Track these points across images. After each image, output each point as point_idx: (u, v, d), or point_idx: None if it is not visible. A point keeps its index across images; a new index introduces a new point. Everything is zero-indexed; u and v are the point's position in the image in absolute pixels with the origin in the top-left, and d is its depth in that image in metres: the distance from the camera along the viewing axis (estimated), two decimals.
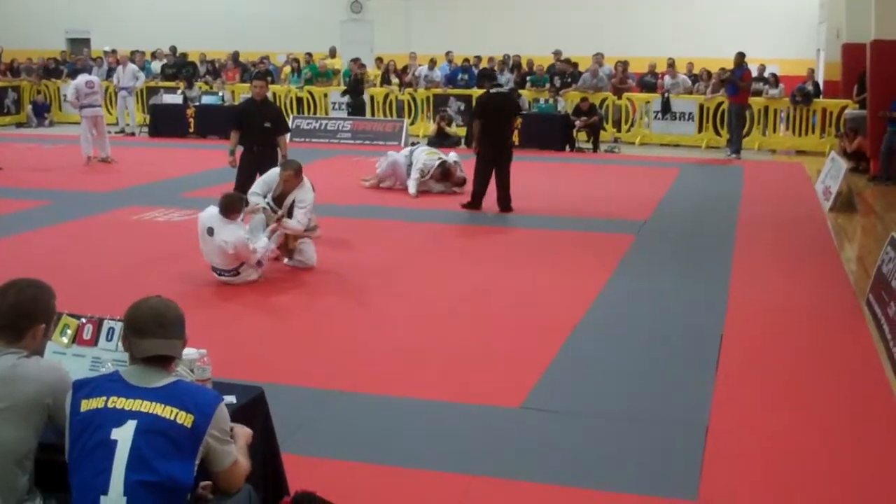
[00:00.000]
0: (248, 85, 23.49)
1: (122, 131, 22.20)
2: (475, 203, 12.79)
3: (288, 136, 11.75)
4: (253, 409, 3.99)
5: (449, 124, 20.42)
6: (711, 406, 5.99)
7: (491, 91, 13.74)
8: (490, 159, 12.69)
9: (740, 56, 19.02)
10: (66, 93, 23.48)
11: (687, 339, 7.43)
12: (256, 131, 11.09)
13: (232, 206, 8.69)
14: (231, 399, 3.80)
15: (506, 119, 13.20)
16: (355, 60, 23.38)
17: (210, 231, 8.63)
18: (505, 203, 12.71)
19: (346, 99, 22.31)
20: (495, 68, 22.51)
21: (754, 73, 20.02)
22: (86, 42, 29.07)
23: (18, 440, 3.29)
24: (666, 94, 21.00)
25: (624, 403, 6.08)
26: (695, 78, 21.71)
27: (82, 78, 17.67)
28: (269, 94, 22.87)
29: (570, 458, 5.26)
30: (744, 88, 19.00)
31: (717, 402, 6.07)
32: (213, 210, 8.77)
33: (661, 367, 6.77)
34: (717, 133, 20.64)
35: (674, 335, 7.51)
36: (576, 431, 5.64)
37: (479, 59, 23.20)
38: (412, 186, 13.97)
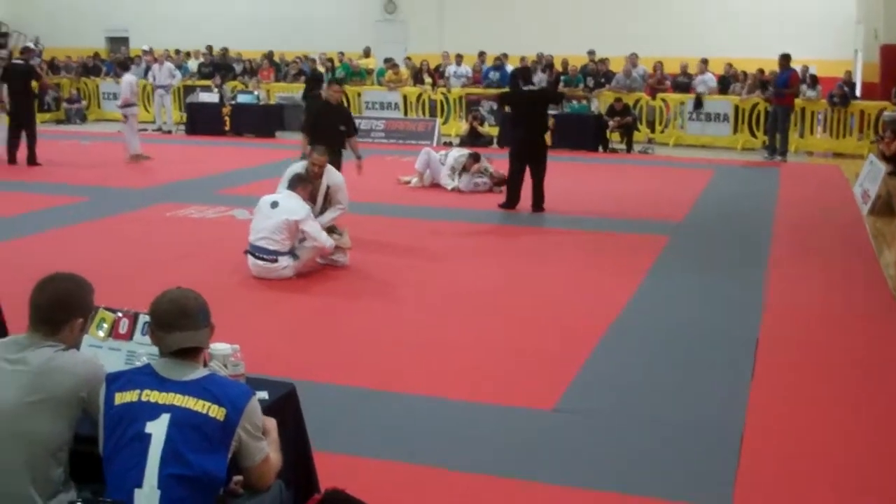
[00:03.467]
0: (283, 84, 23.77)
1: (160, 129, 22.37)
2: (510, 202, 12.78)
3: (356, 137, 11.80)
4: (284, 406, 3.99)
5: (481, 124, 20.41)
6: (747, 410, 5.92)
7: (524, 89, 13.71)
8: (518, 156, 12.67)
9: (785, 58, 18.81)
10: (106, 91, 23.80)
11: (722, 342, 7.36)
12: (330, 133, 10.98)
13: (300, 181, 9.08)
14: (263, 395, 3.81)
15: (538, 115, 13.06)
16: (388, 60, 23.43)
17: (274, 204, 8.86)
18: (537, 203, 12.68)
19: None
20: (528, 67, 22.48)
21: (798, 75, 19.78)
22: (124, 41, 29.32)
23: (53, 432, 3.31)
24: (700, 93, 20.86)
25: (659, 406, 6.03)
26: (725, 79, 21.57)
27: (133, 77, 17.91)
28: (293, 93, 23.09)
29: (603, 460, 5.22)
30: (790, 91, 18.83)
31: (753, 406, 6.00)
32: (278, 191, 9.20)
33: (696, 370, 6.71)
34: (753, 134, 20.49)
35: (709, 338, 7.45)
36: (609, 434, 5.60)
37: (505, 56, 23.10)
38: (447, 180, 14.35)
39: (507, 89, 15.46)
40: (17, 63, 17.75)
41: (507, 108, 12.96)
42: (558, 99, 16.12)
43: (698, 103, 20.87)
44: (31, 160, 16.33)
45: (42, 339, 3.41)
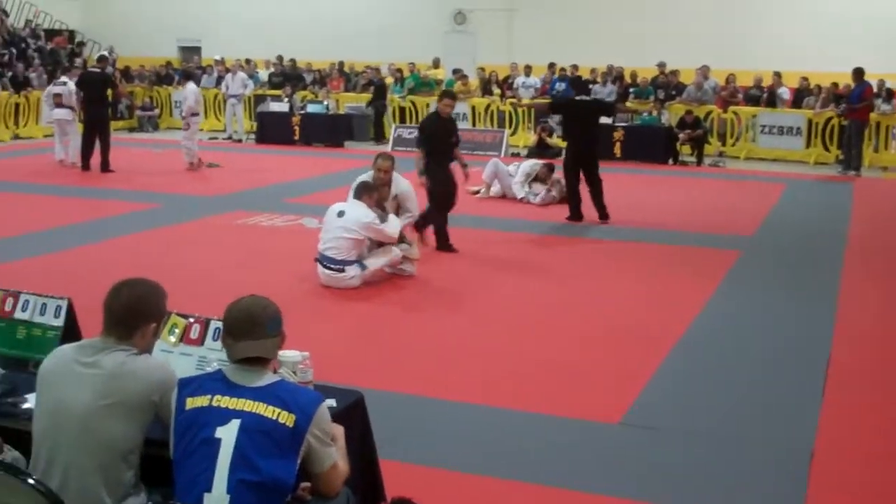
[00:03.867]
0: (352, 94, 23.94)
1: (230, 137, 22.67)
2: (573, 214, 12.72)
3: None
4: (352, 414, 4.00)
5: (550, 135, 20.34)
6: (818, 429, 5.82)
7: (576, 98, 13.64)
8: (572, 168, 12.64)
9: (858, 72, 18.52)
10: (178, 99, 24.16)
11: (793, 359, 7.24)
12: (444, 146, 10.85)
13: (366, 190, 9.10)
14: (331, 402, 3.82)
15: (590, 126, 12.98)
16: (457, 71, 23.49)
17: (341, 213, 8.92)
18: (601, 212, 12.63)
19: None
20: (597, 79, 22.41)
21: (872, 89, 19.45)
22: (196, 50, 29.77)
23: (125, 436, 3.35)
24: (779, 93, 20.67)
25: (727, 423, 5.95)
26: (799, 92, 21.26)
27: (194, 85, 18.11)
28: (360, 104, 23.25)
29: (669, 476, 5.16)
30: (864, 105, 18.51)
31: (824, 425, 5.89)
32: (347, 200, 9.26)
33: (766, 387, 6.61)
34: (826, 149, 20.17)
35: (780, 355, 7.33)
36: (676, 449, 5.54)
37: (575, 67, 23.06)
38: (518, 188, 14.39)
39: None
40: (92, 71, 18.11)
41: (553, 116, 12.87)
42: (610, 111, 15.99)
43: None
44: (105, 167, 16.62)
45: (115, 343, 3.45)
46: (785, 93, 21.17)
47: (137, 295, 3.52)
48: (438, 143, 10.76)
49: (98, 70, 17.96)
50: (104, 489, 3.31)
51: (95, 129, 16.82)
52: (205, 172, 17.11)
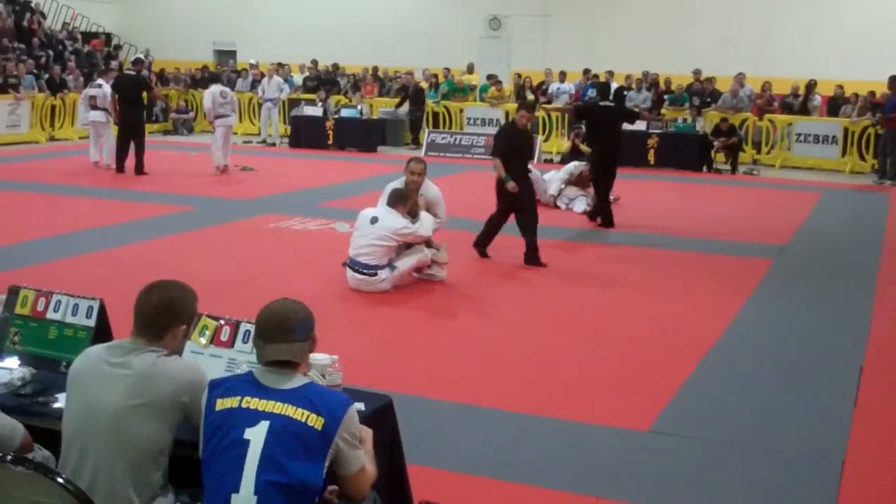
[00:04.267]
0: (386, 99, 23.99)
1: (264, 141, 22.78)
2: (605, 220, 12.71)
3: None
4: (381, 418, 4.00)
5: (583, 142, 20.23)
6: (849, 440, 5.76)
7: (600, 104, 13.62)
8: (597, 170, 12.67)
9: (894, 80, 18.36)
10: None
11: (826, 369, 7.18)
12: (519, 158, 10.61)
13: (400, 199, 9.10)
14: (360, 406, 3.82)
15: (613, 131, 12.97)
16: (491, 77, 23.48)
17: (374, 220, 8.93)
18: (594, 214, 12.94)
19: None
20: (632, 85, 22.35)
21: None
22: (232, 54, 29.95)
23: (154, 436, 3.37)
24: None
25: (758, 432, 5.90)
26: (835, 101, 21.09)
27: (217, 87, 17.99)
28: (406, 108, 23.29)
29: (698, 484, 5.13)
30: None
31: (856, 436, 5.83)
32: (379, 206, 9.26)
33: (798, 397, 6.55)
34: (862, 158, 19.99)
35: (812, 364, 7.27)
36: (705, 458, 5.50)
37: (611, 73, 23.03)
38: (556, 185, 14.50)
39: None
40: (128, 74, 18.22)
41: (580, 121, 12.91)
42: (633, 118, 15.97)
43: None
44: (140, 169, 16.72)
45: (146, 345, 3.47)
46: (816, 99, 20.99)
47: (169, 297, 3.54)
48: (515, 153, 10.48)
49: (134, 73, 18.10)
50: (133, 489, 3.33)
51: (130, 131, 16.91)
52: (238, 176, 17.16)
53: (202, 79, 26.28)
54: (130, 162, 16.84)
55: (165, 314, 3.51)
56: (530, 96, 23.12)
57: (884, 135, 18.76)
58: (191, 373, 3.50)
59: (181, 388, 3.41)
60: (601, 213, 12.87)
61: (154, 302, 3.51)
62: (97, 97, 17.56)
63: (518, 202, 10.41)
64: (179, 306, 3.56)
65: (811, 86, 21.34)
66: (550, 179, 14.67)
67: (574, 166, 14.69)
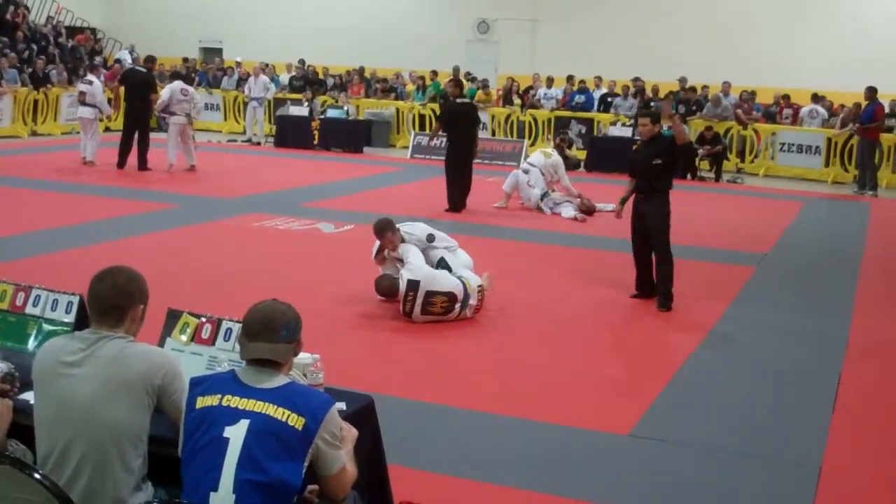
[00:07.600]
0: (372, 100, 23.98)
1: (249, 140, 22.75)
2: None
3: None
4: (362, 418, 3.99)
5: (569, 147, 20.29)
6: (826, 447, 5.79)
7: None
8: None
9: (871, 91, 18.53)
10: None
11: (804, 376, 7.22)
12: (646, 172, 9.68)
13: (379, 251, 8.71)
14: (341, 406, 3.82)
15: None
16: (473, 79, 23.52)
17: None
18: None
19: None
20: (617, 92, 22.42)
21: (887, 109, 19.43)
22: (218, 52, 29.87)
23: (132, 420, 3.36)
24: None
25: (735, 438, 5.93)
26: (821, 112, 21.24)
27: (178, 84, 17.74)
28: (392, 110, 23.29)
29: (677, 488, 5.16)
30: (875, 125, 18.48)
31: (833, 443, 5.87)
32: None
33: (776, 403, 6.60)
34: (845, 168, 20.11)
35: (790, 371, 7.31)
36: (684, 463, 5.52)
37: (599, 80, 23.11)
38: (538, 192, 14.45)
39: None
40: (139, 70, 18.12)
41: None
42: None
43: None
44: (143, 165, 16.72)
45: (109, 330, 3.47)
46: (787, 112, 21.25)
47: (122, 278, 3.55)
48: (639, 166, 9.64)
49: (145, 70, 17.99)
50: (118, 474, 3.32)
51: (135, 127, 16.90)
52: (215, 174, 17.05)
53: (187, 76, 26.19)
54: (131, 161, 16.83)
55: (122, 295, 3.51)
56: (517, 101, 23.18)
57: (860, 145, 18.92)
58: (160, 355, 3.53)
59: (153, 369, 3.40)
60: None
61: (108, 285, 3.51)
62: (86, 93, 17.44)
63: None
64: (134, 286, 3.55)
65: (784, 98, 21.56)
66: (532, 186, 14.58)
67: (543, 163, 14.57)
